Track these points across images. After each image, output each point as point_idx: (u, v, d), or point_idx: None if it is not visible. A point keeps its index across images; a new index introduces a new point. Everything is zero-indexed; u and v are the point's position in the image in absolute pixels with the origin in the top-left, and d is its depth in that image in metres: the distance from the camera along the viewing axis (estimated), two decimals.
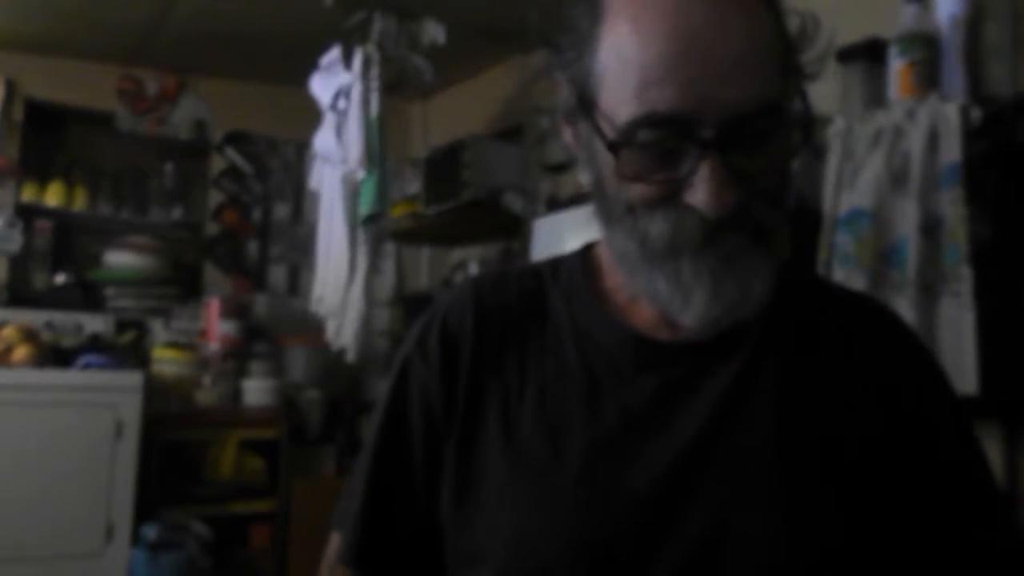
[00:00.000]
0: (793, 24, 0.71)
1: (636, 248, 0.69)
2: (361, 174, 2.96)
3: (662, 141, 0.66)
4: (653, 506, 0.69)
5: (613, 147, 0.67)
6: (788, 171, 0.72)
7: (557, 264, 0.84)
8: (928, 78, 1.73)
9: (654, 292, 0.70)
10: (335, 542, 0.83)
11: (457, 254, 3.92)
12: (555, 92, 0.75)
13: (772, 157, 0.68)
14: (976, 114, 1.62)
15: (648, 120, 0.65)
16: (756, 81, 0.65)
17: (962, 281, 1.58)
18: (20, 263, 3.74)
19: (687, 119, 0.64)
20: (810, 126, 0.71)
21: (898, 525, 0.72)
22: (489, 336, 0.79)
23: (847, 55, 1.94)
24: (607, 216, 0.72)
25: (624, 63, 0.66)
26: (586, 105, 0.70)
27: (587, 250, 0.83)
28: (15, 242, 3.71)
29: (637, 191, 0.68)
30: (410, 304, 3.83)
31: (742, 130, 0.65)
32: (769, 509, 0.69)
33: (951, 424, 0.77)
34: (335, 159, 3.10)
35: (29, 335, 3.26)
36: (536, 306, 0.80)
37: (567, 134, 0.76)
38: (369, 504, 0.80)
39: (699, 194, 0.65)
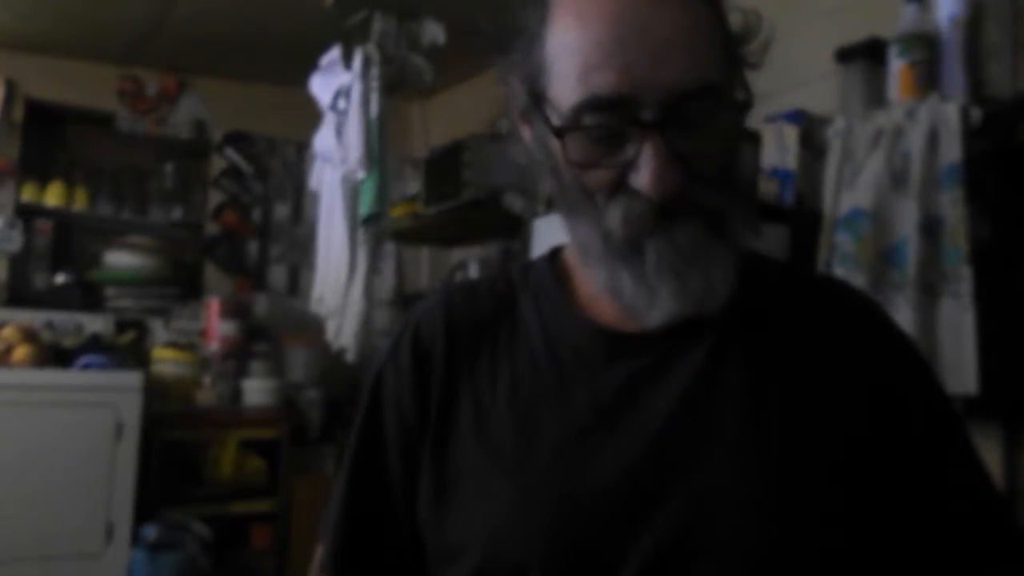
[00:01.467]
0: (736, 20, 0.74)
1: (600, 242, 0.71)
2: (361, 174, 2.96)
3: (606, 125, 0.68)
4: (626, 496, 0.70)
5: (559, 132, 0.70)
6: (735, 156, 0.74)
7: (527, 268, 0.86)
8: (928, 78, 1.73)
9: (618, 289, 0.71)
10: (320, 552, 0.85)
11: (457, 254, 3.92)
12: (510, 94, 0.77)
13: (715, 140, 0.70)
14: (976, 114, 1.62)
15: (590, 104, 0.68)
16: (694, 63, 0.67)
17: (962, 281, 1.58)
18: (20, 263, 3.74)
19: (628, 102, 0.67)
20: (748, 110, 0.73)
21: (874, 507, 0.72)
22: (460, 343, 0.80)
23: (847, 55, 1.95)
24: (568, 207, 0.74)
25: (568, 52, 0.69)
26: (536, 98, 0.73)
27: (555, 253, 0.85)
28: (15, 242, 3.71)
29: (591, 177, 0.70)
30: (410, 304, 3.83)
31: (683, 111, 0.67)
32: (740, 497, 0.69)
33: (926, 402, 0.77)
34: (335, 159, 3.10)
35: (29, 335, 3.26)
36: (506, 309, 0.82)
37: (525, 132, 0.78)
38: (347, 513, 0.83)
39: (643, 176, 0.67)
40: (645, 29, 0.67)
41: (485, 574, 0.72)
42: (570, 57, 0.69)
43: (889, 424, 0.74)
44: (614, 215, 0.70)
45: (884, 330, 0.80)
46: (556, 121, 0.70)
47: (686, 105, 0.67)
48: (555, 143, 0.71)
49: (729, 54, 0.72)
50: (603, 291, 0.73)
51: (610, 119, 0.68)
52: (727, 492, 0.69)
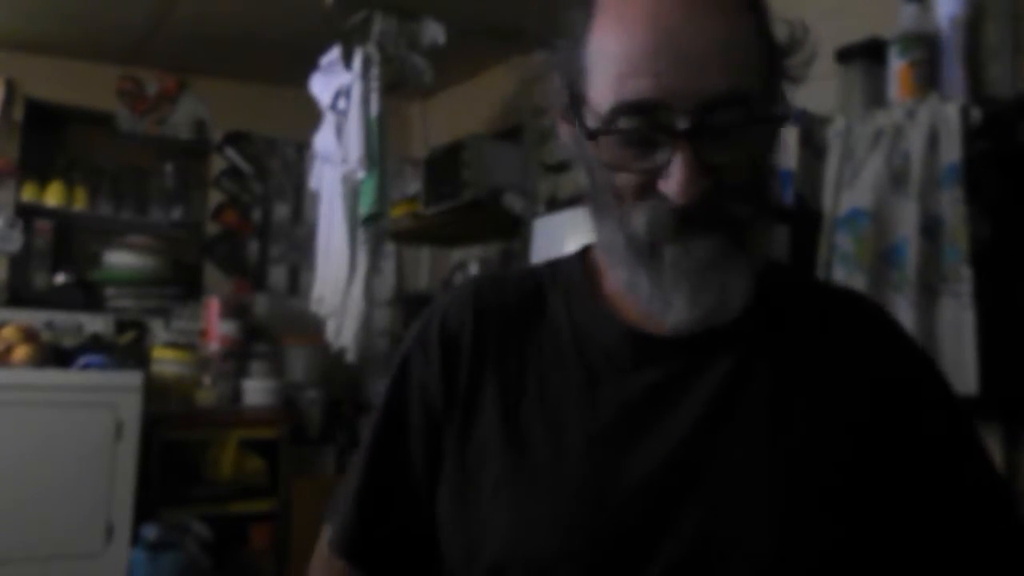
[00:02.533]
0: (782, 31, 0.74)
1: (623, 241, 0.72)
2: (361, 174, 2.96)
3: (639, 130, 0.69)
4: (649, 500, 0.70)
5: (592, 135, 0.71)
6: (765, 168, 0.74)
7: (555, 265, 0.86)
8: (928, 78, 1.73)
9: (636, 288, 0.72)
10: (328, 534, 0.85)
11: (457, 254, 3.92)
12: (551, 90, 0.78)
13: (746, 151, 0.70)
14: (976, 114, 1.62)
15: (624, 108, 0.69)
16: (730, 73, 0.67)
17: (962, 281, 1.58)
18: (20, 263, 3.74)
19: (661, 108, 0.67)
20: (783, 123, 0.74)
21: (894, 518, 0.72)
22: (488, 333, 0.81)
23: (847, 55, 1.94)
24: (597, 205, 0.75)
25: (606, 56, 0.70)
26: (575, 98, 0.74)
27: (585, 251, 0.85)
28: (15, 242, 3.71)
29: (622, 180, 0.71)
30: (410, 304, 3.83)
31: (715, 120, 0.67)
32: (763, 505, 0.69)
33: (945, 415, 0.78)
34: (335, 159, 3.10)
35: (29, 335, 3.26)
36: (535, 305, 0.82)
37: (563, 129, 0.78)
38: (363, 496, 0.82)
39: (671, 183, 0.68)
40: (683, 37, 0.67)
41: (504, 571, 0.72)
42: (608, 62, 0.70)
43: (908, 434, 0.74)
44: (639, 218, 0.70)
45: (901, 342, 0.81)
46: (592, 123, 0.71)
47: (719, 114, 0.67)
48: (589, 143, 0.72)
49: (770, 65, 0.72)
50: (624, 288, 0.74)
51: (643, 124, 0.69)
52: (748, 500, 0.70)
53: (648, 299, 0.71)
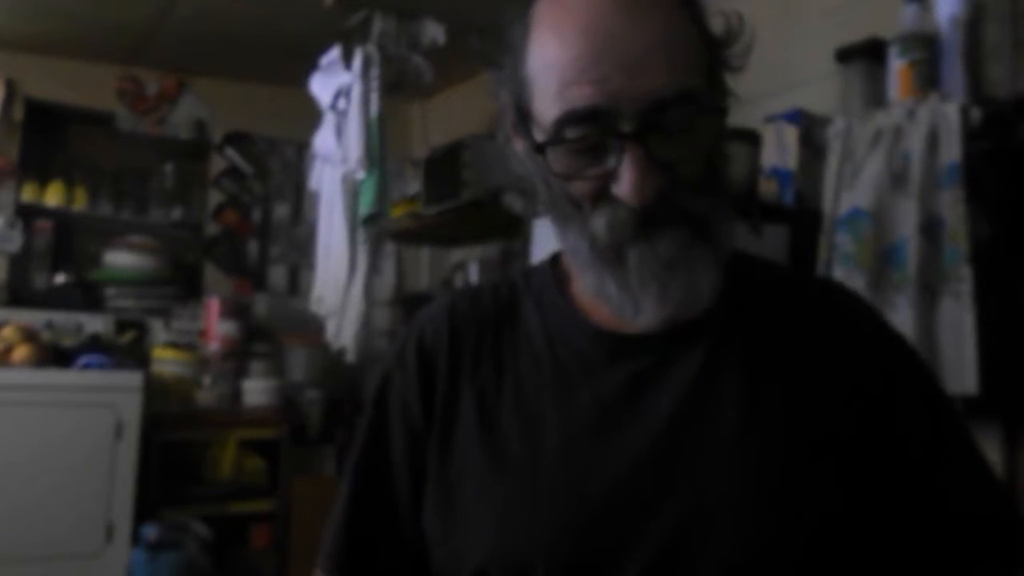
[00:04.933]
0: (718, 23, 0.74)
1: (587, 247, 0.72)
2: (361, 174, 2.96)
3: (586, 137, 0.69)
4: (629, 497, 0.71)
5: (540, 147, 0.71)
6: (717, 159, 0.74)
7: (528, 273, 0.88)
8: (928, 78, 1.74)
9: (605, 294, 0.73)
10: (320, 555, 0.86)
11: (457, 254, 3.92)
12: (499, 107, 0.79)
13: (695, 145, 0.70)
14: (976, 114, 1.62)
15: (569, 118, 0.69)
16: (670, 72, 0.68)
17: (962, 281, 1.58)
18: (20, 263, 3.74)
19: (605, 113, 0.68)
20: (726, 114, 0.74)
21: (871, 506, 0.73)
22: (464, 345, 0.82)
23: (847, 55, 1.95)
24: (558, 215, 0.75)
25: (547, 68, 0.71)
26: (521, 113, 0.74)
27: (556, 258, 0.86)
28: (15, 242, 3.71)
29: (576, 188, 0.71)
30: (410, 304, 3.83)
31: (661, 119, 0.68)
32: (740, 497, 0.70)
33: (921, 399, 0.78)
34: (335, 159, 3.10)
35: (29, 335, 3.26)
36: (509, 313, 0.83)
37: (516, 144, 0.79)
38: (351, 515, 0.83)
39: (623, 185, 0.68)
40: (620, 41, 0.67)
41: (486, 574, 0.72)
42: (549, 73, 0.70)
43: (884, 423, 0.75)
44: (599, 222, 0.71)
45: (877, 330, 0.81)
46: (539, 136, 0.72)
47: (664, 113, 0.68)
48: (539, 156, 0.72)
49: (710, 58, 0.73)
50: (593, 294, 0.75)
51: (590, 131, 0.69)
52: (726, 493, 0.70)
53: (618, 303, 0.72)
